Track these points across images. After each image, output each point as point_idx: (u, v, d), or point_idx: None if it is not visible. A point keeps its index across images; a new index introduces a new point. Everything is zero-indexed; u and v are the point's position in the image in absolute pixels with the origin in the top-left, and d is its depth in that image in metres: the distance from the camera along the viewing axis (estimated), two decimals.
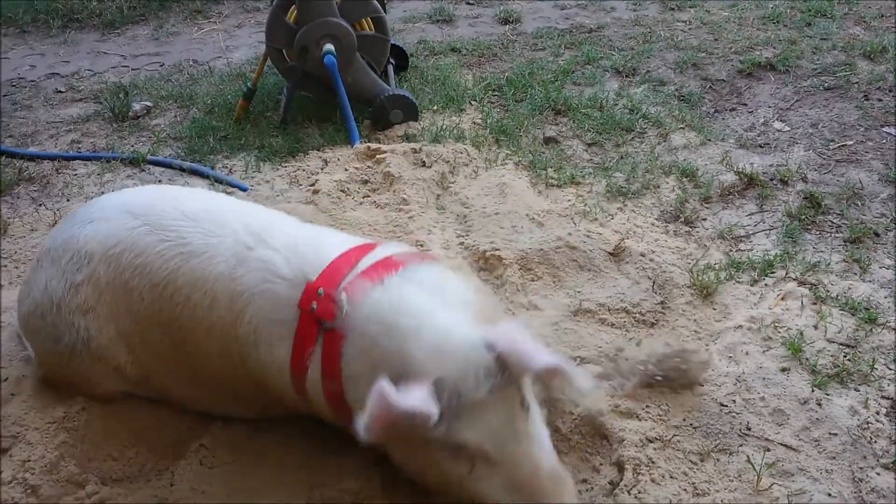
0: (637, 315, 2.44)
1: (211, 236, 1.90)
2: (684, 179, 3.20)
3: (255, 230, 1.89)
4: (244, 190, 3.17)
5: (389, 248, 1.86)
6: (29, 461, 1.94)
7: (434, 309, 1.66)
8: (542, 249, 2.65)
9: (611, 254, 2.68)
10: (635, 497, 1.88)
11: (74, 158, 3.53)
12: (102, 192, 3.25)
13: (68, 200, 3.21)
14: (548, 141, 3.51)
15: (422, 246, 2.73)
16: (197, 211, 1.96)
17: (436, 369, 1.54)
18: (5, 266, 2.77)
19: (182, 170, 3.37)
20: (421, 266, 1.79)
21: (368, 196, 3.08)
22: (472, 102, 3.92)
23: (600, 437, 2.05)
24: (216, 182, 3.24)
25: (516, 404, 1.59)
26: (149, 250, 1.91)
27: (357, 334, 1.67)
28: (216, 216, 1.95)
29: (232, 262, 1.84)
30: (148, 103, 4.07)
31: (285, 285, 1.79)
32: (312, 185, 3.09)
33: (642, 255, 2.65)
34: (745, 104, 3.88)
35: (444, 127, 3.58)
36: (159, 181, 3.33)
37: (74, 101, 4.26)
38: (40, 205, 3.19)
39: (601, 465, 2.00)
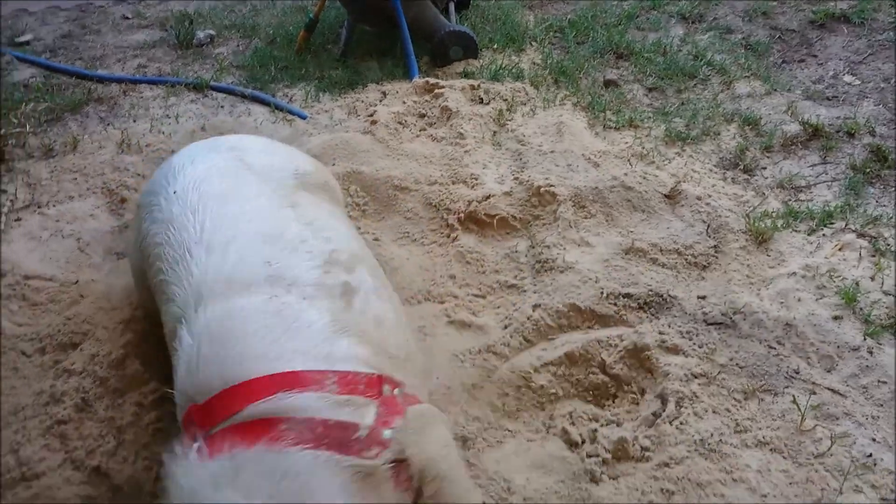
0: (689, 257, 2.44)
1: None
2: (746, 128, 3.13)
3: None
4: (304, 118, 3.22)
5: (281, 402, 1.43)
6: (97, 356, 2.06)
7: None
8: (596, 188, 2.65)
9: (666, 196, 2.66)
10: (676, 428, 1.91)
11: (141, 82, 3.62)
12: (167, 115, 3.33)
13: (134, 121, 3.30)
14: (608, 84, 3.47)
15: (476, 180, 2.75)
16: None
17: None
18: (75, 179, 2.88)
19: (244, 97, 3.43)
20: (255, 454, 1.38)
21: (425, 129, 3.10)
22: (533, 43, 3.88)
23: (645, 371, 2.07)
24: (276, 109, 3.29)
25: None
26: None
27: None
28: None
29: None
30: (211, 32, 4.12)
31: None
32: (371, 115, 3.13)
33: (698, 198, 2.63)
34: (815, 56, 3.75)
35: (503, 66, 3.56)
36: (221, 107, 3.40)
37: (141, 28, 4.35)
38: (108, 124, 3.29)
39: (644, 396, 2.03)
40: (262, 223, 1.76)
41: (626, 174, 2.71)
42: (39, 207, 2.71)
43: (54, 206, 2.72)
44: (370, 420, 1.43)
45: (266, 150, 2.09)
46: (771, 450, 1.89)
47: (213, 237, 1.74)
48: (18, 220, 2.63)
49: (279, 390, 1.42)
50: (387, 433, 1.43)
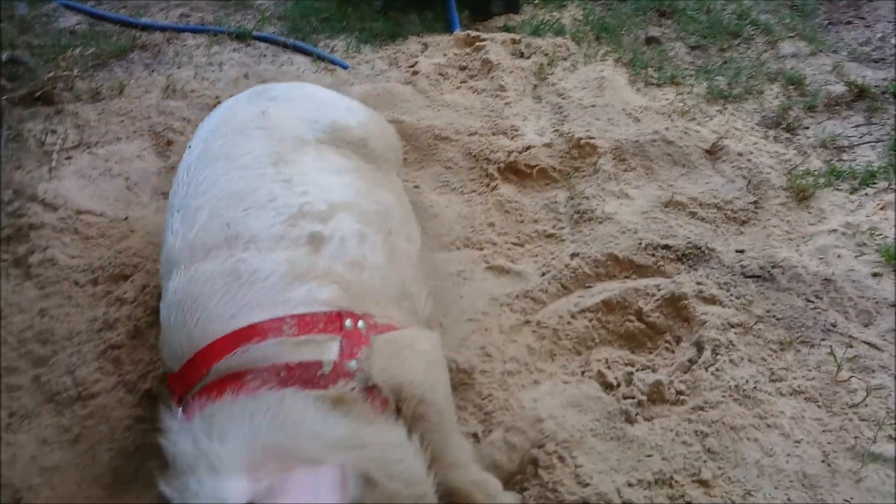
0: (728, 212, 2.44)
1: None
2: (790, 87, 3.10)
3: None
4: (345, 68, 3.24)
5: (250, 354, 1.48)
6: (148, 287, 2.13)
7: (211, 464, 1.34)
8: (637, 141, 2.65)
9: (707, 151, 2.65)
10: (712, 374, 1.94)
11: (185, 30, 3.66)
12: (210, 63, 3.37)
13: (178, 68, 3.35)
14: (650, 41, 3.44)
15: (516, 131, 2.76)
16: None
17: None
18: (122, 121, 2.94)
19: (286, 46, 3.46)
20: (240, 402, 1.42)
21: (466, 82, 3.11)
22: None
23: (682, 319, 2.10)
24: (318, 59, 3.32)
25: None
26: None
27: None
28: None
29: None
30: None
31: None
32: (412, 66, 3.14)
33: (739, 154, 2.62)
34: (863, 18, 3.68)
35: (545, 21, 3.54)
36: (264, 56, 3.43)
37: None
38: (153, 70, 3.34)
39: (680, 344, 2.05)
40: (235, 184, 1.76)
41: (667, 129, 2.70)
42: (89, 147, 2.78)
43: (103, 146, 2.79)
44: (333, 355, 1.48)
45: (301, 101, 2.06)
46: (805, 398, 1.91)
47: (189, 202, 1.77)
48: (69, 158, 2.70)
49: (241, 344, 1.47)
50: (351, 364, 1.48)
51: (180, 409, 1.45)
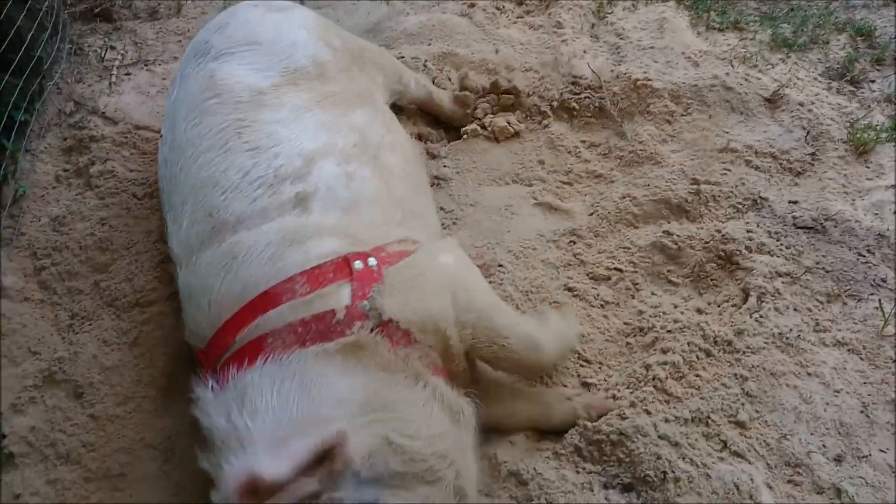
0: (784, 162, 2.40)
1: None
2: (858, 38, 2.99)
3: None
4: None
5: (276, 318, 1.51)
6: None
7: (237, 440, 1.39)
8: (695, 86, 2.60)
9: (767, 100, 2.60)
10: (756, 320, 1.94)
11: None
12: None
13: None
14: None
15: (571, 69, 2.72)
16: None
17: None
18: (179, 41, 2.97)
19: None
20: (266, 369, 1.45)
21: (522, 17, 3.06)
22: None
23: (730, 265, 2.09)
24: None
25: None
26: None
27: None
28: None
29: None
30: None
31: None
32: None
33: (800, 104, 2.56)
34: None
35: None
36: None
37: None
38: None
39: (726, 289, 2.05)
40: (206, 169, 1.75)
41: (727, 74, 2.64)
42: (147, 65, 2.81)
43: (160, 65, 2.82)
44: (346, 300, 1.50)
45: (244, 51, 1.95)
46: (849, 350, 1.91)
47: (173, 199, 1.79)
48: (128, 74, 2.74)
49: (257, 314, 1.51)
50: (363, 304, 1.50)
51: (211, 380, 1.49)
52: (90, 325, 2.00)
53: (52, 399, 1.88)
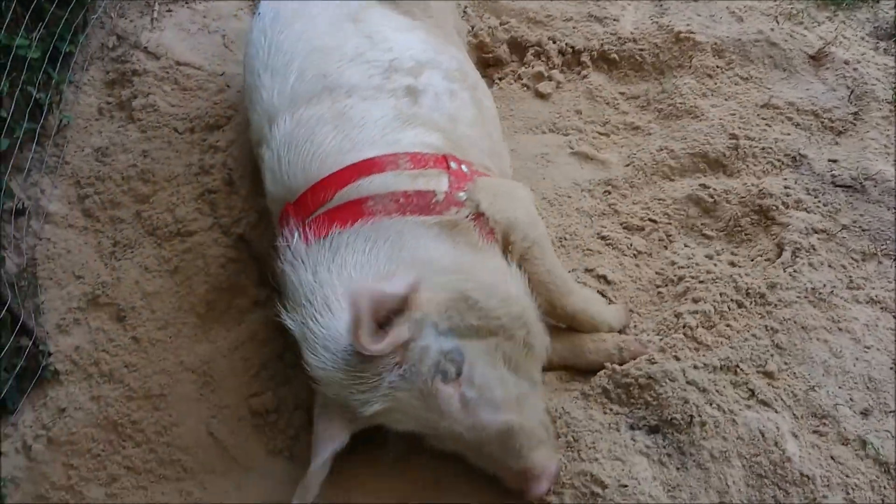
0: (826, 120, 2.36)
1: None
2: None
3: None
4: None
5: (380, 181, 1.61)
6: (238, 139, 2.20)
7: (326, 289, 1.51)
8: (739, 40, 2.56)
9: (811, 57, 2.55)
10: (790, 275, 1.94)
11: None
12: None
13: None
14: None
15: (613, 20, 2.69)
16: None
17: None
18: None
19: None
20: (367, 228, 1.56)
21: None
22: None
23: (766, 220, 2.08)
24: None
25: None
26: None
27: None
28: None
29: None
30: None
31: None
32: None
33: (845, 63, 2.51)
34: None
35: None
36: None
37: None
38: None
39: (761, 243, 2.05)
40: (320, 40, 1.85)
41: (771, 30, 2.60)
42: (187, 2, 2.82)
43: (201, 2, 2.82)
44: (445, 187, 1.62)
45: None
46: (882, 308, 1.90)
47: (275, 60, 1.86)
48: (169, 11, 2.75)
49: (360, 176, 1.60)
50: (461, 194, 1.63)
51: (296, 233, 1.58)
52: (132, 252, 2.06)
53: (95, 321, 1.94)
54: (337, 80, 1.77)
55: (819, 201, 2.13)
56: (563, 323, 1.84)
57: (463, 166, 1.69)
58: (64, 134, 2.32)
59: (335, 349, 1.44)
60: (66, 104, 2.37)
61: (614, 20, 2.69)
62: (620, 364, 1.78)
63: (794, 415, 1.72)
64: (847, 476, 1.62)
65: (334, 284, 1.49)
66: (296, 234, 1.57)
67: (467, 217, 1.60)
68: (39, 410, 1.82)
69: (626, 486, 1.59)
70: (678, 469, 1.63)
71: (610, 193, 2.22)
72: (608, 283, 2.01)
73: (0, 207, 1.96)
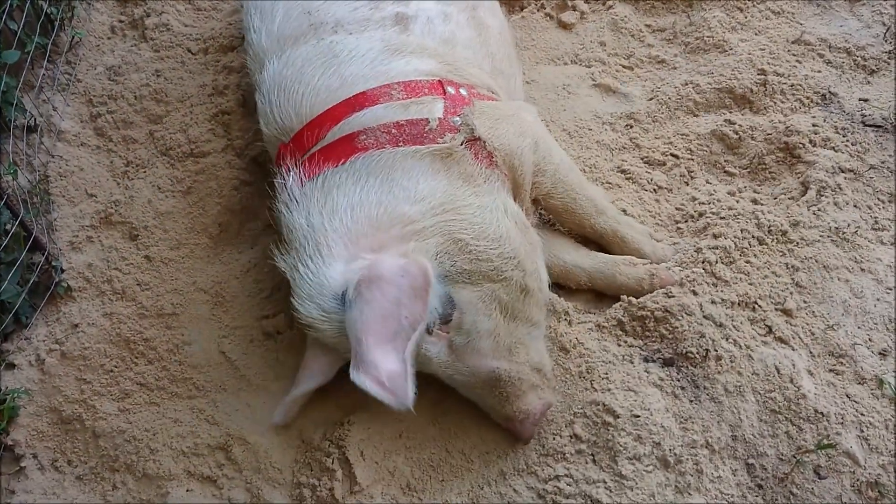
0: (858, 58, 2.28)
1: None
2: None
3: None
4: None
5: (369, 116, 1.57)
6: None
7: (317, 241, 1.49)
8: None
9: None
10: (813, 213, 1.90)
11: None
12: None
13: None
14: None
15: None
16: None
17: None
18: None
19: None
20: (349, 166, 1.53)
21: None
22: None
23: (791, 157, 2.03)
24: None
25: None
26: None
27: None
28: None
29: None
30: None
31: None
32: None
33: None
34: None
35: None
36: None
37: None
38: None
39: (786, 180, 2.00)
40: None
41: None
42: None
43: None
44: (439, 113, 1.58)
45: None
46: None
47: (264, 1, 1.80)
48: None
49: (353, 111, 1.56)
50: (455, 119, 1.58)
51: (292, 172, 1.55)
52: (145, 172, 2.03)
53: (108, 239, 1.93)
54: (322, 17, 1.71)
55: (847, 140, 2.07)
56: (596, 242, 1.84)
57: (462, 90, 1.63)
58: (76, 51, 2.27)
59: (321, 300, 1.43)
60: (78, 20, 2.32)
61: None
62: (650, 291, 1.76)
63: (810, 353, 1.70)
64: (862, 414, 1.61)
65: (325, 230, 1.47)
66: (290, 175, 1.55)
67: (462, 144, 1.55)
68: (52, 325, 1.82)
69: (638, 416, 1.58)
70: (691, 402, 1.62)
71: (632, 127, 2.16)
72: (627, 216, 1.97)
73: (11, 122, 1.93)
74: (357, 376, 1.28)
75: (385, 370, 1.29)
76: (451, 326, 1.48)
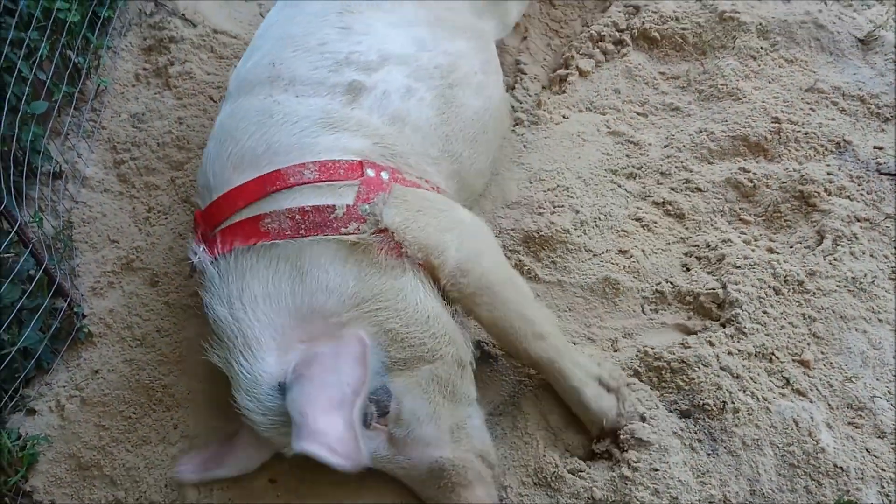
0: (872, 106, 2.30)
1: None
2: None
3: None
4: None
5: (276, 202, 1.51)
6: None
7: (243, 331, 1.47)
8: (785, 21, 2.48)
9: (860, 41, 2.47)
10: (830, 263, 1.90)
11: None
12: None
13: None
14: None
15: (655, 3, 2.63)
16: None
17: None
18: None
19: None
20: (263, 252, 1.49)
21: None
22: None
23: (807, 206, 2.04)
24: None
25: None
26: None
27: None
28: None
29: None
30: None
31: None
32: None
33: None
34: None
35: None
36: None
37: None
38: None
39: (802, 230, 2.01)
40: (295, 27, 1.76)
41: (819, 11, 2.52)
42: None
43: None
44: (348, 200, 1.50)
45: None
46: None
47: (255, 41, 1.81)
48: None
49: (264, 190, 1.51)
50: (364, 207, 1.50)
51: (202, 245, 1.53)
52: (166, 218, 2.06)
53: (129, 285, 1.95)
54: (282, 70, 1.67)
55: (863, 189, 2.08)
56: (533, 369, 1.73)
57: (383, 173, 1.56)
58: (101, 99, 2.33)
59: (257, 393, 1.42)
60: (103, 69, 2.38)
61: None
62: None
63: (829, 405, 1.69)
64: (882, 470, 1.59)
65: (252, 324, 1.44)
66: (201, 249, 1.52)
67: (369, 233, 1.48)
68: (73, 371, 1.84)
69: (656, 469, 1.57)
70: (709, 455, 1.61)
71: (647, 175, 2.18)
72: (640, 265, 1.98)
73: (38, 169, 1.97)
74: (305, 445, 1.24)
75: (334, 436, 1.26)
76: (390, 419, 1.46)
